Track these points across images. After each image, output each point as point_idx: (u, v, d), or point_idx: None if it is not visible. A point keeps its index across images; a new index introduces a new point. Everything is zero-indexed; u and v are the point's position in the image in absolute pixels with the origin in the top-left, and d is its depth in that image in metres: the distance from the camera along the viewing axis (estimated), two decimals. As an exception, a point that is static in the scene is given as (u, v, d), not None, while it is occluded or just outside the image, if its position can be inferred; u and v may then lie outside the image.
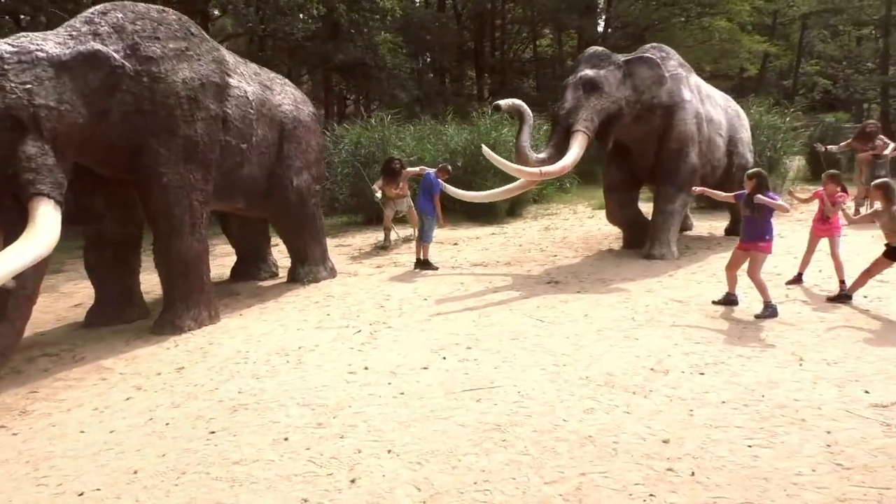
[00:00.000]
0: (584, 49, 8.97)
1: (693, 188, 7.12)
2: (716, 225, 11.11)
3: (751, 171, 6.23)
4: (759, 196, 5.96)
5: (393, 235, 10.49)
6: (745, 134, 9.74)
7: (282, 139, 7.47)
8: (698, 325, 5.94)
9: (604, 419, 4.14)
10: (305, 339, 5.94)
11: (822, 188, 6.98)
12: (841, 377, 4.67)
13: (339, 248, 10.45)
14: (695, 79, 9.11)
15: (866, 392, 4.41)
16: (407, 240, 10.79)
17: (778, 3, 27.04)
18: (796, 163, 15.75)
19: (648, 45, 9.06)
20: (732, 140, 9.51)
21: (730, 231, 10.35)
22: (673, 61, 8.84)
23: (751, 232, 6.14)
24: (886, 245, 6.07)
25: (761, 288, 6.10)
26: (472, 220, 12.56)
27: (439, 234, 11.36)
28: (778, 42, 33.84)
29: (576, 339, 5.68)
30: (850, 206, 8.38)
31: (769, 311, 6.04)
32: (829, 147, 11.38)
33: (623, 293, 7.10)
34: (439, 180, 8.60)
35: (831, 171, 7.02)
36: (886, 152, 10.67)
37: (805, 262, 7.28)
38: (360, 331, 6.10)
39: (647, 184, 9.30)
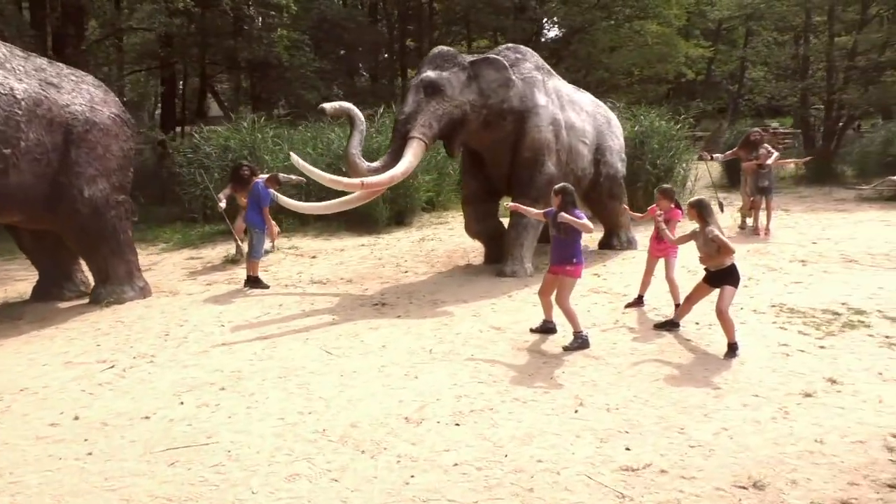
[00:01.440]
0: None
1: (508, 204, 6.48)
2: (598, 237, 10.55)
3: (557, 185, 5.62)
4: (563, 214, 5.35)
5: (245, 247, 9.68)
6: (616, 142, 9.18)
7: (68, 144, 6.62)
8: (498, 358, 5.30)
9: (302, 490, 3.44)
10: (41, 377, 5.12)
11: (655, 204, 6.41)
12: (610, 428, 4.06)
13: (188, 262, 9.62)
14: (555, 83, 8.51)
15: (627, 449, 3.80)
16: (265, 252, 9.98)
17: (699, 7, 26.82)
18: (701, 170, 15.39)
19: (503, 46, 8.43)
20: (600, 148, 8.94)
21: (603, 244, 9.90)
22: (528, 64, 8.23)
23: (558, 254, 5.52)
24: (706, 270, 5.50)
25: (571, 317, 5.49)
26: (350, 229, 11.82)
27: (301, 244, 10.61)
28: (722, 47, 33.89)
29: (350, 377, 4.99)
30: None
31: (578, 343, 5.43)
32: (713, 156, 10.93)
33: (445, 318, 6.44)
34: (270, 190, 7.83)
35: (664, 186, 6.47)
36: (769, 162, 10.25)
37: (644, 283, 6.73)
38: (112, 367, 5.31)
39: (506, 195, 8.68)
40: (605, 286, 7.54)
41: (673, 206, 6.30)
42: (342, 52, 22.23)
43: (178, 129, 19.23)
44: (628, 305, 6.71)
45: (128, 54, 20.49)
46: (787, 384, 4.67)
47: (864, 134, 17.71)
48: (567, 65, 26.86)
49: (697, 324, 6.08)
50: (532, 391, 4.64)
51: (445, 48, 7.85)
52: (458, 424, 4.16)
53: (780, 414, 4.22)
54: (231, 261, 9.36)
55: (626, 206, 8.52)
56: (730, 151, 11.14)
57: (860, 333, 5.71)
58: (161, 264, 9.49)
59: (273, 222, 9.48)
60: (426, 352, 5.48)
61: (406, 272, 8.51)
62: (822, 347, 5.40)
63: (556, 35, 26.30)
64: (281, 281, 8.24)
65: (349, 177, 7.18)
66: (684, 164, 12.94)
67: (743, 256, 8.85)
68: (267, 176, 8.14)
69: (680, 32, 34.67)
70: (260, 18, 16.16)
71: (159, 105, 24.70)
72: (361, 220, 11.83)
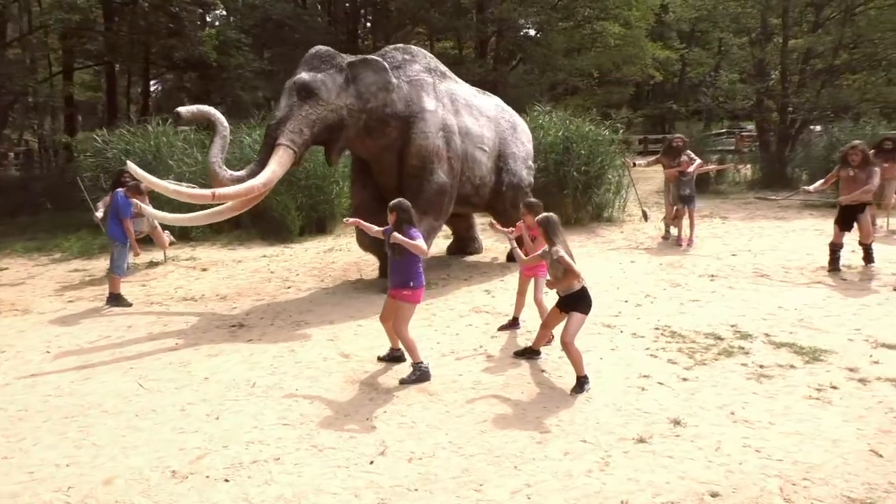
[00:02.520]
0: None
1: (347, 219, 5.91)
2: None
3: (392, 202, 5.08)
4: (395, 234, 4.82)
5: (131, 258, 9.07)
6: (521, 148, 8.67)
7: None
8: (322, 393, 4.77)
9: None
10: None
11: (522, 220, 5.89)
12: (399, 485, 3.54)
13: (69, 275, 9.02)
14: (449, 86, 7.99)
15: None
16: (153, 263, 9.40)
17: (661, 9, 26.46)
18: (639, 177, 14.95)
19: (391, 47, 7.89)
20: (502, 156, 8.43)
21: (453, 249, 9.68)
22: (417, 65, 7.70)
23: (395, 277, 4.99)
24: (557, 294, 4.98)
25: (409, 347, 4.96)
26: (265, 238, 11.25)
27: (202, 255, 10.03)
28: (696, 49, 33.52)
29: (144, 418, 4.43)
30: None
31: (417, 375, 4.91)
32: (635, 162, 10.45)
33: (296, 342, 5.90)
34: (132, 201, 7.25)
35: (530, 200, 5.95)
36: (691, 169, 9.79)
37: (518, 305, 6.22)
38: None
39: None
40: (491, 305, 7.03)
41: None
42: (293, 51, 21.61)
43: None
44: (501, 328, 6.20)
45: (67, 53, 19.80)
46: (625, 426, 4.17)
47: (813, 139, 17.32)
48: (527, 67, 26.44)
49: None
50: (337, 436, 4.11)
51: (324, 48, 7.29)
52: (227, 480, 3.62)
53: (598, 466, 3.71)
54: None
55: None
56: (653, 158, 10.66)
57: (734, 362, 5.23)
58: (39, 277, 8.88)
59: (161, 232, 8.93)
60: (248, 385, 4.94)
61: (289, 288, 7.96)
62: (684, 380, 4.90)
63: (517, 35, 25.77)
64: (153, 298, 7.66)
65: (211, 187, 6.61)
66: (619, 171, 12.47)
67: (653, 271, 8.41)
68: (131, 184, 7.53)
69: (652, 34, 34.40)
70: (187, 15, 15.47)
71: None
72: (277, 230, 11.29)
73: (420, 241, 4.81)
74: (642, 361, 5.29)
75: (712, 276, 8.08)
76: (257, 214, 11.44)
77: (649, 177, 18.62)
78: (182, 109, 6.60)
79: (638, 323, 6.29)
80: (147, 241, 9.22)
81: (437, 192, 7.56)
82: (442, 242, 10.22)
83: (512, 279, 8.21)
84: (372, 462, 3.79)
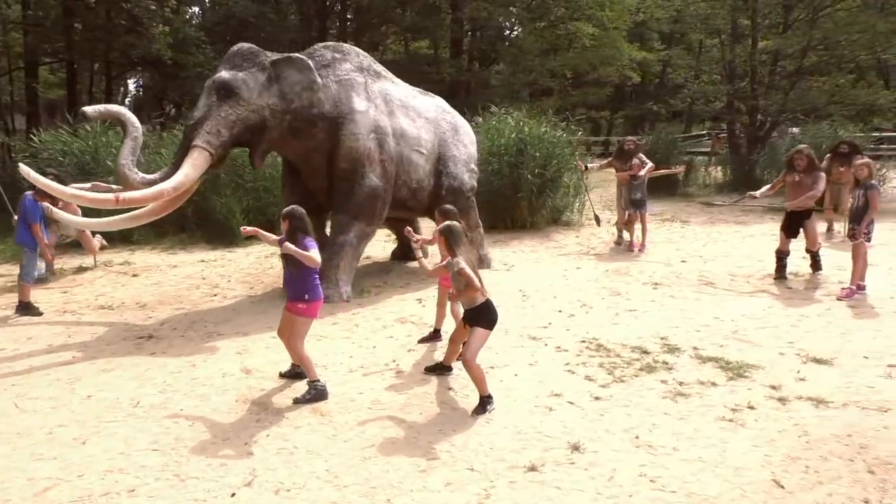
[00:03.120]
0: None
1: (245, 229, 5.54)
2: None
3: (285, 209, 4.77)
4: (287, 244, 4.51)
5: (57, 265, 8.72)
6: (462, 151, 8.37)
7: None
8: (208, 414, 4.45)
9: None
10: None
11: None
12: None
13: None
14: (384, 86, 7.68)
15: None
16: (81, 269, 9.03)
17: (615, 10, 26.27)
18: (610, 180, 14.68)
19: (321, 45, 7.58)
20: (442, 158, 8.14)
21: (397, 255, 9.44)
22: (347, 64, 7.39)
23: (290, 290, 4.69)
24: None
25: (304, 364, 4.66)
26: (210, 241, 10.89)
27: (138, 259, 9.66)
28: (676, 50, 33.39)
29: (4, 443, 4.09)
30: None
31: (312, 394, 4.61)
32: (587, 165, 10.19)
33: (199, 356, 5.58)
34: (43, 204, 6.88)
35: (445, 206, 5.67)
36: (642, 173, 9.54)
37: (438, 317, 5.93)
38: None
39: (330, 210, 7.81)
40: (419, 315, 6.73)
41: (457, 229, 5.47)
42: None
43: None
44: (421, 340, 5.91)
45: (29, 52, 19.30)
46: (520, 452, 3.89)
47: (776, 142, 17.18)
48: (499, 67, 26.22)
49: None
50: (206, 464, 3.79)
51: (247, 45, 6.97)
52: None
53: (478, 499, 3.42)
54: (39, 279, 8.36)
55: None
56: (605, 161, 10.41)
57: (653, 379, 4.96)
58: (-42, 284, 8.47)
59: (90, 237, 8.58)
60: (131, 405, 4.61)
61: (215, 296, 7.62)
62: (597, 399, 4.63)
63: (491, 35, 25.54)
64: (69, 306, 7.30)
65: (124, 191, 6.27)
66: (577, 174, 12.21)
67: (597, 278, 8.16)
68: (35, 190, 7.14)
69: (632, 36, 34.23)
70: (142, 12, 15.07)
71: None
72: (222, 233, 10.94)
73: (313, 253, 4.50)
74: (558, 378, 5.01)
75: (656, 283, 7.84)
76: (202, 217, 11.11)
77: (613, 179, 18.48)
78: (88, 109, 6.25)
79: (565, 335, 6.02)
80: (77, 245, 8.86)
81: (369, 196, 7.26)
82: (388, 247, 9.94)
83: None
84: (234, 495, 3.48)
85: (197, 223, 10.96)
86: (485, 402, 4.41)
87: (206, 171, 6.62)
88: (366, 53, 7.77)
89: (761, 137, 18.29)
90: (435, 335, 5.90)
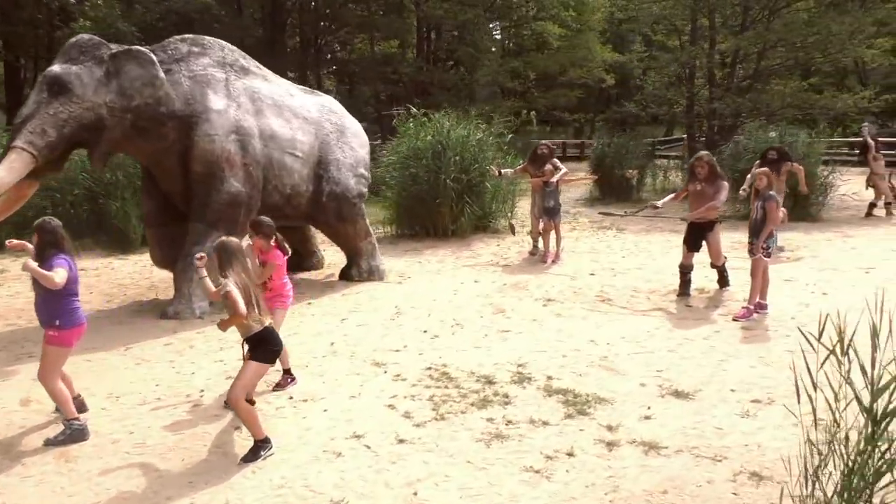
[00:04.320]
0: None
1: (11, 242, 4.88)
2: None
3: (38, 220, 4.14)
4: (27, 262, 3.89)
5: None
6: (349, 154, 7.77)
7: None
8: (-63, 460, 3.82)
9: None
10: None
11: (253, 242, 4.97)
12: None
13: None
14: (250, 83, 7.07)
15: None
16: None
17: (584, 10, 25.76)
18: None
19: (177, 37, 6.95)
20: (323, 162, 7.54)
21: (290, 265, 8.61)
22: (206, 59, 6.78)
23: (39, 315, 4.06)
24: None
25: (58, 401, 4.04)
26: (104, 248, 10.25)
27: (18, 265, 9.01)
28: (656, 53, 32.87)
29: None
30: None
31: (67, 434, 4.00)
32: (502, 171, 9.58)
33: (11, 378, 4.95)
34: None
35: (257, 218, 5.03)
36: (554, 179, 8.95)
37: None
38: None
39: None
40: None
41: (274, 244, 4.88)
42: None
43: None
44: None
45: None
46: (267, 513, 3.28)
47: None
48: (462, 68, 25.57)
49: (292, 398, 4.70)
50: None
51: (87, 36, 6.36)
52: None
53: (174, 579, 2.81)
54: None
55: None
56: (519, 166, 9.80)
57: (480, 416, 4.38)
58: None
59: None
60: None
61: (63, 310, 6.98)
62: (401, 442, 4.04)
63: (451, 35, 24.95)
64: None
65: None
66: (494, 179, 11.57)
67: (488, 293, 7.58)
68: None
69: (615, 38, 33.72)
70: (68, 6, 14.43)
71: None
72: (119, 239, 10.31)
73: (56, 273, 3.86)
74: (372, 415, 4.41)
75: (549, 300, 7.26)
76: (98, 223, 10.50)
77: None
78: None
79: (414, 361, 5.42)
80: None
81: (229, 202, 6.65)
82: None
83: (329, 300, 7.34)
84: None
85: (92, 229, 10.31)
86: (258, 448, 3.81)
87: (38, 175, 5.99)
88: (233, 48, 7.16)
89: (717, 142, 17.76)
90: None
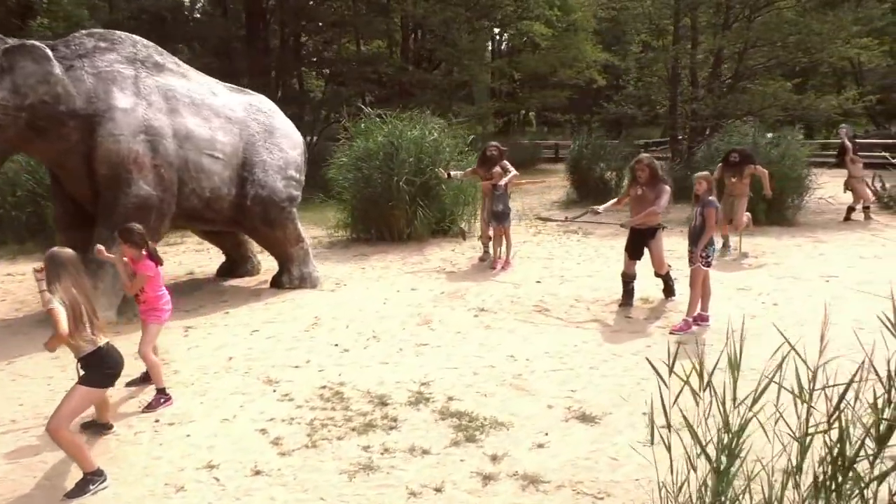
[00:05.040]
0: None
1: None
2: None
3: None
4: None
5: None
6: (278, 156, 7.39)
7: None
8: None
9: None
10: None
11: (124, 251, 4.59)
12: None
13: None
14: (164, 81, 6.69)
15: None
16: None
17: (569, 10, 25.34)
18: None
19: (84, 32, 6.57)
20: (248, 164, 7.16)
21: (223, 271, 8.42)
22: (113, 55, 6.40)
23: None
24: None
25: None
26: (45, 250, 9.85)
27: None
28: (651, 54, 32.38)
29: None
30: None
31: None
32: (450, 173, 9.17)
33: None
34: None
35: (126, 226, 4.65)
36: (502, 182, 8.55)
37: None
38: None
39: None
40: (163, 347, 5.73)
41: (145, 254, 4.50)
42: (178, 46, 20.22)
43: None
44: (129, 384, 4.91)
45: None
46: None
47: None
48: (444, 69, 25.16)
49: (158, 421, 4.31)
50: None
51: (-16, 31, 6.00)
52: None
53: None
54: None
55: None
56: (470, 169, 9.39)
57: (357, 444, 3.99)
58: None
59: None
60: None
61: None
62: (256, 474, 3.66)
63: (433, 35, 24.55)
64: None
65: None
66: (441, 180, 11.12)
67: (421, 302, 7.20)
68: None
69: (608, 39, 33.27)
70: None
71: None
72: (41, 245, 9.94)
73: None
74: (237, 442, 4.03)
75: (482, 310, 6.86)
76: (38, 226, 10.16)
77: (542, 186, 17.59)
78: None
79: (311, 378, 5.04)
80: None
81: (137, 206, 6.28)
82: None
83: (247, 310, 6.96)
84: None
85: (32, 232, 9.97)
86: (87, 482, 3.42)
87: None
88: (149, 43, 6.78)
89: (699, 143, 17.34)
90: (146, 378, 4.90)
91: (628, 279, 6.95)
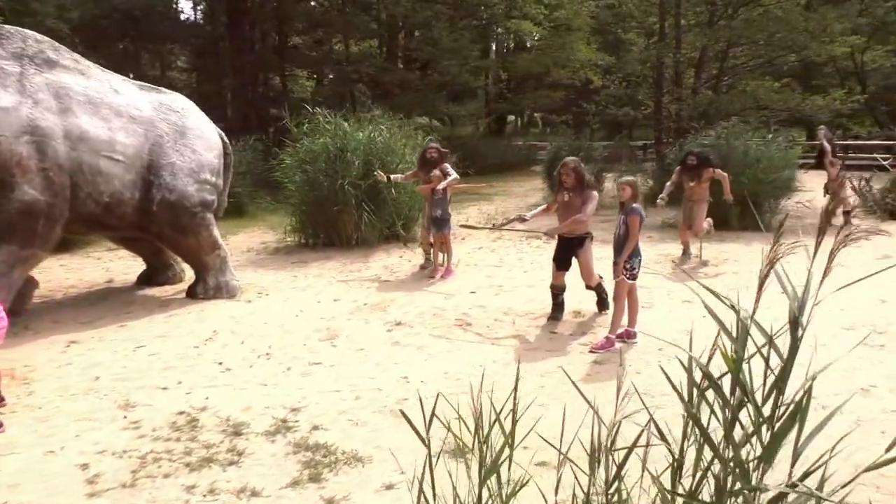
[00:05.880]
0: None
1: None
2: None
3: None
4: None
5: None
6: (190, 158, 6.95)
7: None
8: None
9: None
10: None
11: None
12: None
13: None
14: (56, 78, 6.26)
15: None
16: None
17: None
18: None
19: (-24, 26, 6.17)
20: (154, 167, 6.73)
21: (143, 279, 7.99)
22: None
23: None
24: None
25: None
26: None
27: None
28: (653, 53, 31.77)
29: None
30: None
31: None
32: (391, 176, 8.70)
33: None
34: None
35: None
36: (440, 187, 8.08)
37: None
38: None
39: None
40: (33, 365, 5.31)
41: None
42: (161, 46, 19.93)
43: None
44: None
45: None
46: None
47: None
48: (431, 70, 24.73)
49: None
50: None
51: None
52: None
53: None
54: None
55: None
56: (410, 172, 8.91)
57: (179, 483, 3.54)
58: None
59: None
60: None
61: None
62: (47, 521, 3.19)
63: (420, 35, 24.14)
64: None
65: None
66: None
67: (338, 314, 6.76)
68: None
69: (610, 40, 32.71)
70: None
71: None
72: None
73: None
74: (49, 479, 3.58)
75: (398, 324, 6.40)
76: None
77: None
78: None
79: (173, 402, 4.59)
80: None
81: (22, 212, 5.86)
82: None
83: (146, 323, 6.52)
84: None
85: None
86: None
87: None
88: (42, 38, 6.36)
89: (683, 145, 16.78)
90: (-6, 401, 4.47)
91: (557, 291, 6.46)
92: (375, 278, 8.32)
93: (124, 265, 9.05)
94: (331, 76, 22.76)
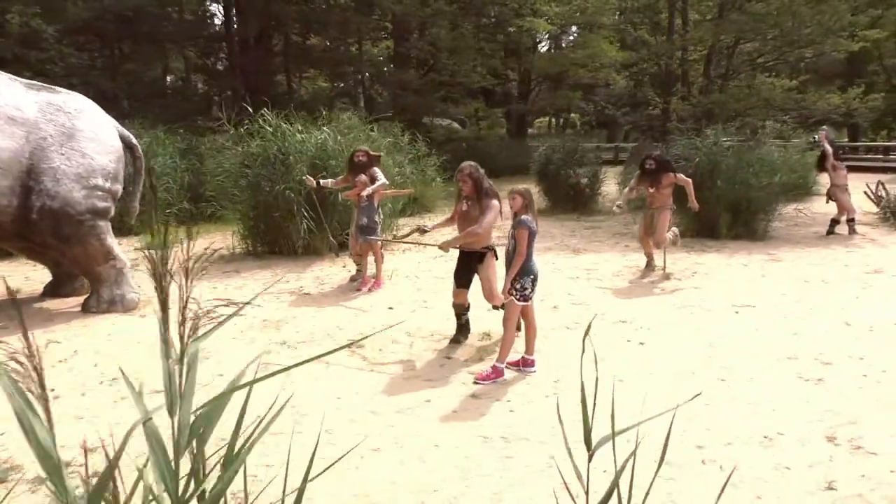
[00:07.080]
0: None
1: None
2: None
3: None
4: None
5: None
6: (79, 163, 6.43)
7: None
8: None
9: None
10: None
11: None
12: None
13: None
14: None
15: None
16: None
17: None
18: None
19: None
20: (35, 172, 6.24)
21: (47, 290, 7.47)
22: None
23: None
24: None
25: None
26: None
27: None
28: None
29: None
30: None
31: None
32: (322, 182, 8.03)
33: None
34: None
35: None
36: (364, 193, 7.43)
37: None
38: None
39: None
40: None
41: None
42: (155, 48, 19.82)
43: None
44: None
45: None
46: None
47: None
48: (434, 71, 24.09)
49: None
50: None
51: None
52: None
53: None
54: None
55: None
56: (340, 177, 8.24)
57: None
58: None
59: None
60: None
61: None
62: None
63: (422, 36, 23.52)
64: None
65: None
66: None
67: (219, 337, 6.10)
68: None
69: (630, 40, 31.65)
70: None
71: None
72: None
73: None
74: None
75: (282, 344, 5.78)
76: None
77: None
78: None
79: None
80: None
81: None
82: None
83: (13, 341, 6.00)
84: None
85: None
86: None
87: None
88: None
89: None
90: None
91: (460, 311, 5.75)
92: (297, 291, 7.72)
93: (46, 275, 8.66)
94: (343, 79, 22.52)
